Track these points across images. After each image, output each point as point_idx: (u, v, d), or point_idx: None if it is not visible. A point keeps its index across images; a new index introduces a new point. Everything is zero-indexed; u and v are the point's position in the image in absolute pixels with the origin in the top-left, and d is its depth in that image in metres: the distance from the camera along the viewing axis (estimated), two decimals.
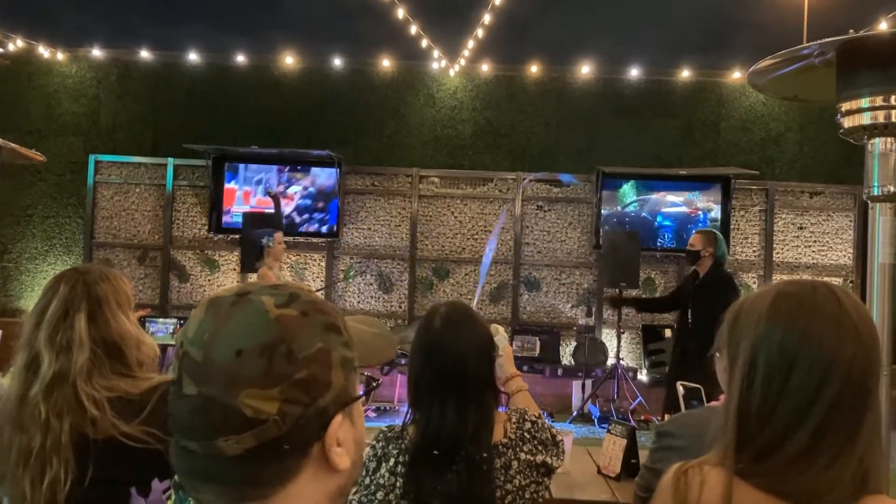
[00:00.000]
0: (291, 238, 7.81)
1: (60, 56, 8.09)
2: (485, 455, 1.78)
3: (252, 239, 5.74)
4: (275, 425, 0.71)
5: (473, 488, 1.76)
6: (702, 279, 5.04)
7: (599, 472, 2.70)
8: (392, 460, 1.84)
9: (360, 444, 0.82)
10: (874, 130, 2.36)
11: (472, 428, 1.78)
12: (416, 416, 1.84)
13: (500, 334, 2.14)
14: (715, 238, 5.05)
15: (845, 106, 2.41)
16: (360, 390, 0.83)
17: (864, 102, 2.35)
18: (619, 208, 7.74)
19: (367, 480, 1.86)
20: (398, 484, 1.81)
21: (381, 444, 1.89)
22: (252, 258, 5.74)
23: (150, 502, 0.82)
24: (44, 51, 7.98)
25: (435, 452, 1.77)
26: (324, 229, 7.87)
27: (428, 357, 1.84)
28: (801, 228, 7.77)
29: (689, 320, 4.99)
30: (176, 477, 0.78)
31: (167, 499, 0.79)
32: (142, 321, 2.21)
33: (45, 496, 1.56)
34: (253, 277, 5.99)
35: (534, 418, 1.93)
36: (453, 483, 1.75)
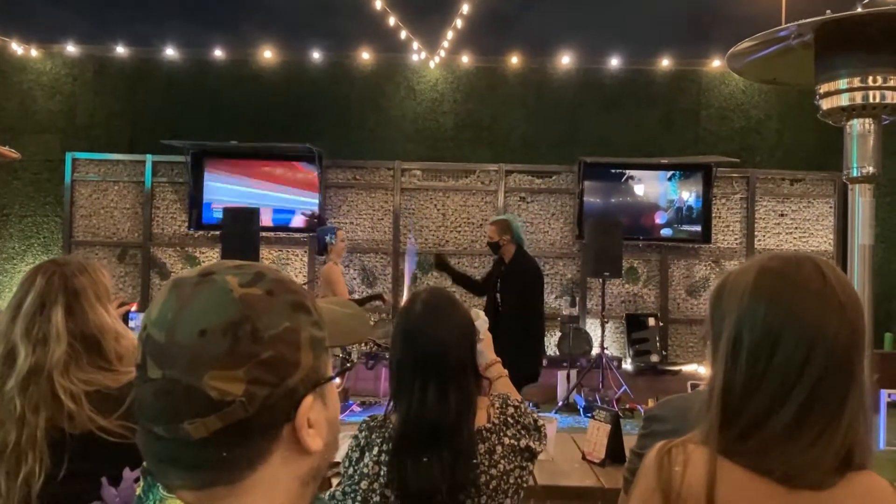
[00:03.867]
0: (272, 234, 7.77)
1: (35, 52, 7.98)
2: (468, 440, 1.78)
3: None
4: (241, 407, 0.69)
5: (457, 474, 1.75)
6: (508, 266, 5.27)
7: (584, 458, 2.70)
8: (376, 449, 1.83)
9: (333, 426, 0.80)
10: (852, 112, 2.38)
11: (453, 413, 1.77)
12: (397, 402, 1.83)
13: (481, 318, 2.13)
14: (508, 224, 5.22)
15: (823, 88, 2.42)
16: (332, 371, 0.81)
17: (842, 84, 2.36)
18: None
19: (351, 470, 1.85)
20: (382, 472, 1.80)
21: (364, 433, 1.88)
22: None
23: (121, 490, 0.80)
24: (17, 47, 7.86)
25: (417, 438, 1.76)
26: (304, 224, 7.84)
27: (409, 342, 1.83)
28: (781, 215, 7.82)
29: (499, 305, 5.24)
30: (144, 463, 0.76)
31: (138, 486, 0.76)
32: (126, 316, 2.17)
33: (21, 490, 1.53)
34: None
35: (516, 403, 1.93)
36: (436, 469, 1.74)
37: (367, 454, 1.84)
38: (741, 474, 1.05)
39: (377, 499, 1.82)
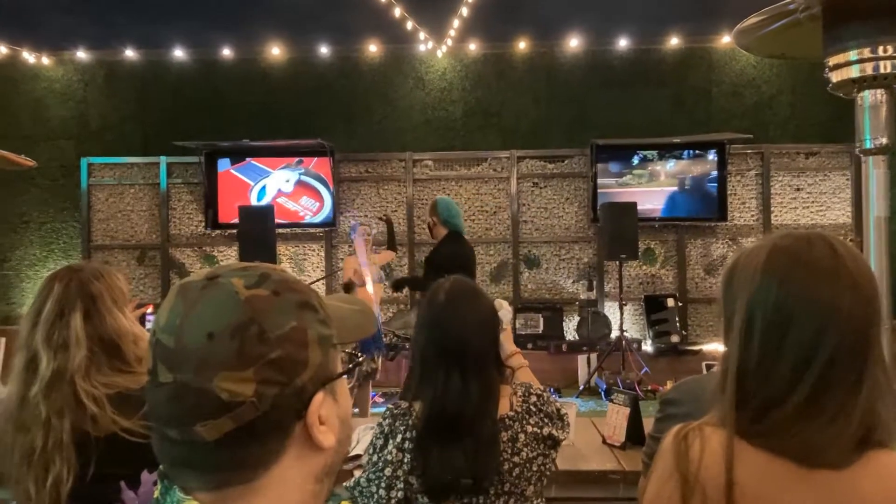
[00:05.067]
0: (288, 230, 7.80)
1: (45, 60, 8.04)
2: (490, 429, 1.79)
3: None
4: (252, 407, 0.70)
5: (480, 462, 1.76)
6: (432, 250, 5.25)
7: (604, 441, 2.71)
8: (399, 437, 1.84)
9: (345, 422, 0.81)
10: (863, 83, 2.35)
11: (476, 402, 1.78)
12: (421, 390, 1.84)
13: (505, 308, 2.15)
14: (435, 205, 5.13)
15: (833, 60, 2.39)
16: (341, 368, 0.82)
17: (852, 55, 2.33)
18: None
19: (375, 457, 1.87)
20: (405, 460, 1.82)
21: (387, 420, 1.90)
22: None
23: (140, 493, 0.82)
24: (28, 55, 7.93)
25: (441, 427, 1.77)
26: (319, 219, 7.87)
27: (432, 331, 1.85)
28: (798, 190, 7.75)
29: None
30: (161, 466, 0.77)
31: (156, 489, 0.78)
32: (143, 318, 2.20)
33: (50, 495, 1.56)
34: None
35: (539, 391, 1.94)
36: (460, 458, 1.76)
37: (390, 441, 1.86)
38: (758, 455, 1.05)
39: (400, 486, 1.84)
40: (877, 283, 1.07)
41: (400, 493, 1.85)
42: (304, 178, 7.88)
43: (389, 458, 1.84)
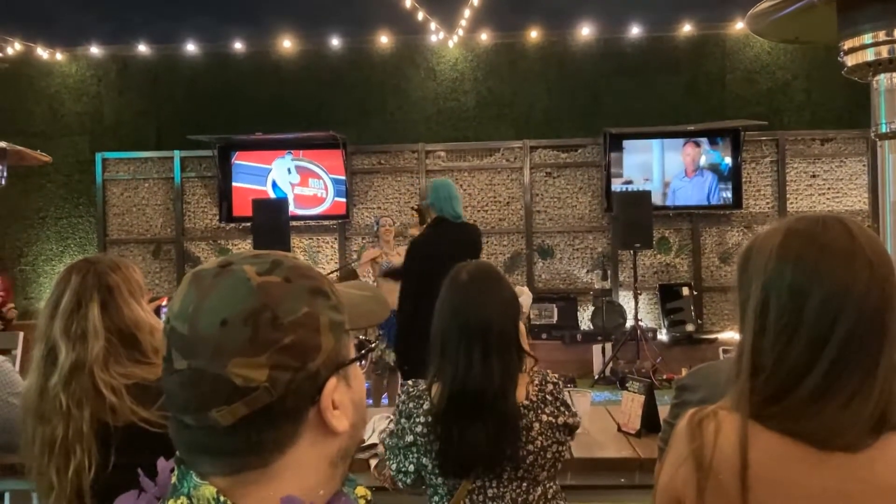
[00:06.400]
0: (302, 222, 7.82)
1: (59, 56, 8.10)
2: (512, 409, 1.80)
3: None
4: (265, 392, 0.71)
5: (500, 442, 1.77)
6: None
7: (619, 429, 2.71)
8: (413, 418, 1.86)
9: (358, 406, 0.82)
10: (878, 67, 2.32)
11: (498, 381, 1.79)
12: (441, 369, 1.85)
13: (525, 294, 2.16)
14: (431, 189, 4.70)
15: (848, 44, 2.37)
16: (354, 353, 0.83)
17: (867, 38, 2.31)
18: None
19: (395, 440, 1.89)
20: (419, 442, 1.83)
21: (403, 399, 1.92)
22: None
23: (158, 481, 0.83)
24: (42, 52, 7.98)
25: (462, 406, 1.78)
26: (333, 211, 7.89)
27: (455, 312, 1.86)
28: (813, 177, 7.68)
29: None
30: (177, 452, 0.78)
31: (173, 475, 0.79)
32: (159, 310, 2.22)
33: (72, 484, 1.58)
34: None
35: (555, 380, 1.95)
36: (482, 437, 1.76)
37: (404, 422, 1.87)
38: (773, 438, 1.04)
39: (412, 468, 1.86)
40: (893, 265, 1.06)
41: (412, 476, 1.87)
42: (299, 163, 7.88)
43: (409, 439, 1.85)
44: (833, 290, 1.03)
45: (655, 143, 7.64)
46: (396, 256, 6.16)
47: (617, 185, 7.54)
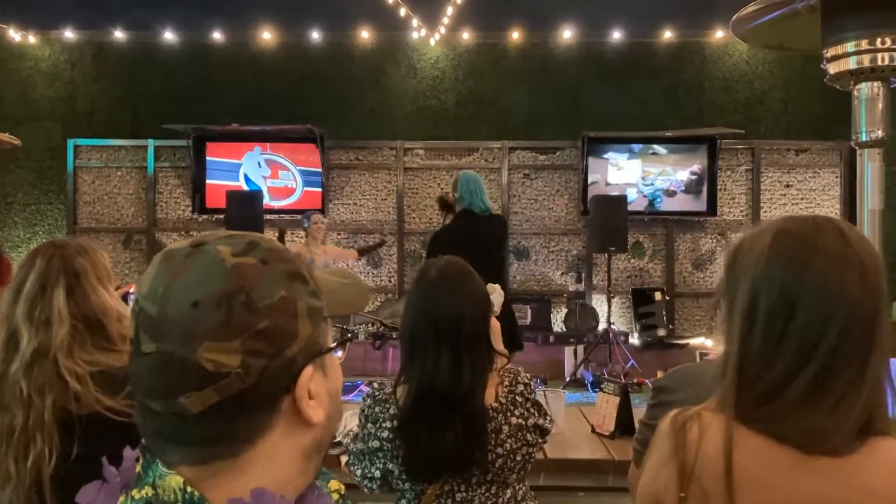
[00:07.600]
0: (277, 216, 7.75)
1: (32, 39, 7.93)
2: (480, 410, 1.76)
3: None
4: (238, 379, 0.67)
5: (469, 446, 1.74)
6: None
7: (593, 430, 2.70)
8: (379, 422, 1.82)
9: (334, 397, 0.78)
10: (860, 75, 2.34)
11: (467, 381, 1.75)
12: (409, 369, 1.81)
13: (497, 292, 2.12)
14: (456, 182, 4.84)
15: (831, 51, 2.38)
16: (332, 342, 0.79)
17: (850, 47, 2.32)
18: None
19: (360, 445, 1.84)
20: (385, 448, 1.79)
21: (368, 403, 1.87)
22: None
23: (122, 470, 0.78)
24: (14, 34, 7.81)
25: (430, 407, 1.74)
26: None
27: (424, 309, 1.81)
28: (787, 186, 7.76)
29: None
30: (143, 440, 0.74)
31: (138, 465, 0.75)
32: (126, 297, 2.17)
33: (31, 474, 1.53)
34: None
35: (527, 380, 1.91)
36: (450, 441, 1.73)
37: (370, 426, 1.83)
38: (759, 441, 1.03)
39: (378, 473, 1.82)
40: (884, 270, 1.05)
41: (378, 482, 1.83)
42: (268, 157, 7.80)
43: (372, 444, 1.81)
44: (824, 292, 1.02)
45: (634, 147, 7.67)
46: (321, 255, 6.30)
47: (594, 189, 7.56)
